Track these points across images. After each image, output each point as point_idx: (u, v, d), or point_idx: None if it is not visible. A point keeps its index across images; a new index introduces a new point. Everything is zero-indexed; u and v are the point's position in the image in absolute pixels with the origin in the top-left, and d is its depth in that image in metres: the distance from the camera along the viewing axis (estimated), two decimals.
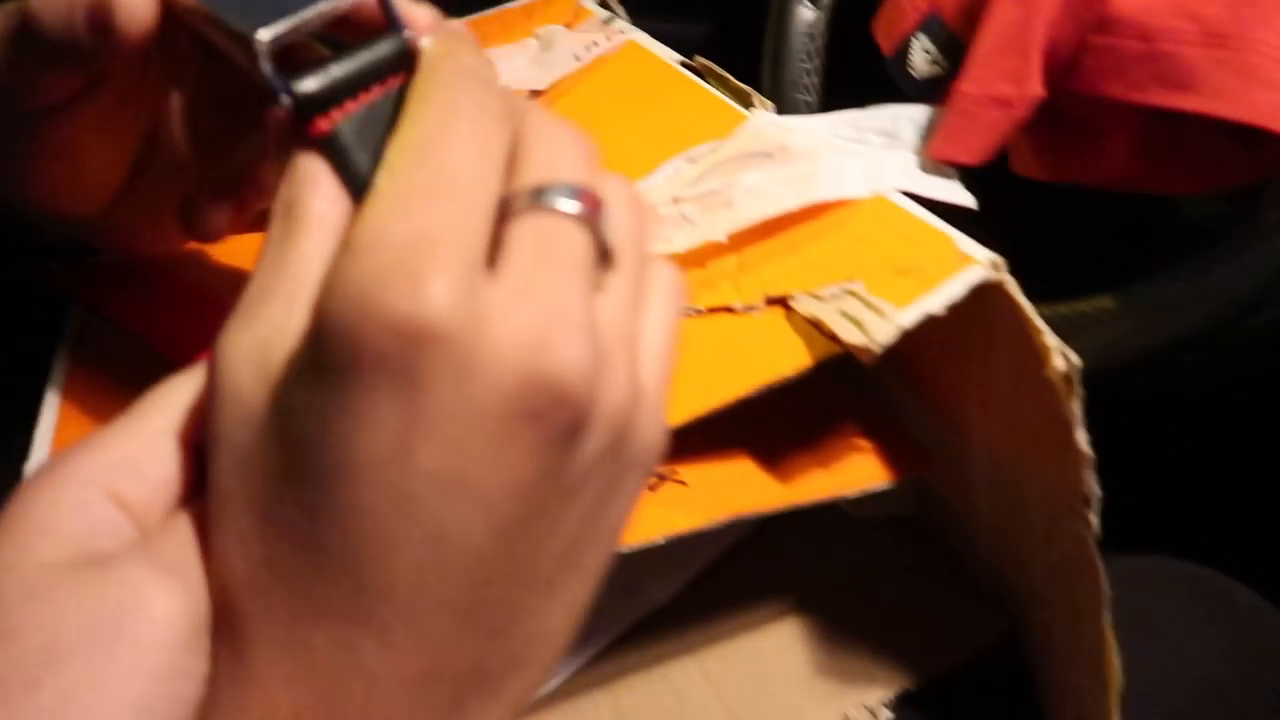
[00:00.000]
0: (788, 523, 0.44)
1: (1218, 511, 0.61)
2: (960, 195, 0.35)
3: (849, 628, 0.41)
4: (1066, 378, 0.28)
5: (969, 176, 0.39)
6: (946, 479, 0.39)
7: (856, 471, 0.36)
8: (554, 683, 0.42)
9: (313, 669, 0.19)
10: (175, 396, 0.21)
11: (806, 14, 0.57)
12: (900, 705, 0.39)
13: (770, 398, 0.37)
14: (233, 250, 0.39)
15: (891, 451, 0.37)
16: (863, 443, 0.37)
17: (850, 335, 0.31)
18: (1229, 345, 0.34)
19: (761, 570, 0.43)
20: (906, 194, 0.35)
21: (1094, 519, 0.30)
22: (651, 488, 0.34)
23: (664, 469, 0.34)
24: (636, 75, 0.46)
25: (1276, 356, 0.37)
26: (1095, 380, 0.38)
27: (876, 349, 0.30)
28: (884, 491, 0.41)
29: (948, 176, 0.36)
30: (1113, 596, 0.32)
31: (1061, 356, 0.28)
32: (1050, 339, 0.28)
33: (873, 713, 0.39)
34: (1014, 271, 0.31)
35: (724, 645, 0.42)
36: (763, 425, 0.37)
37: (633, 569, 0.44)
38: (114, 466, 0.20)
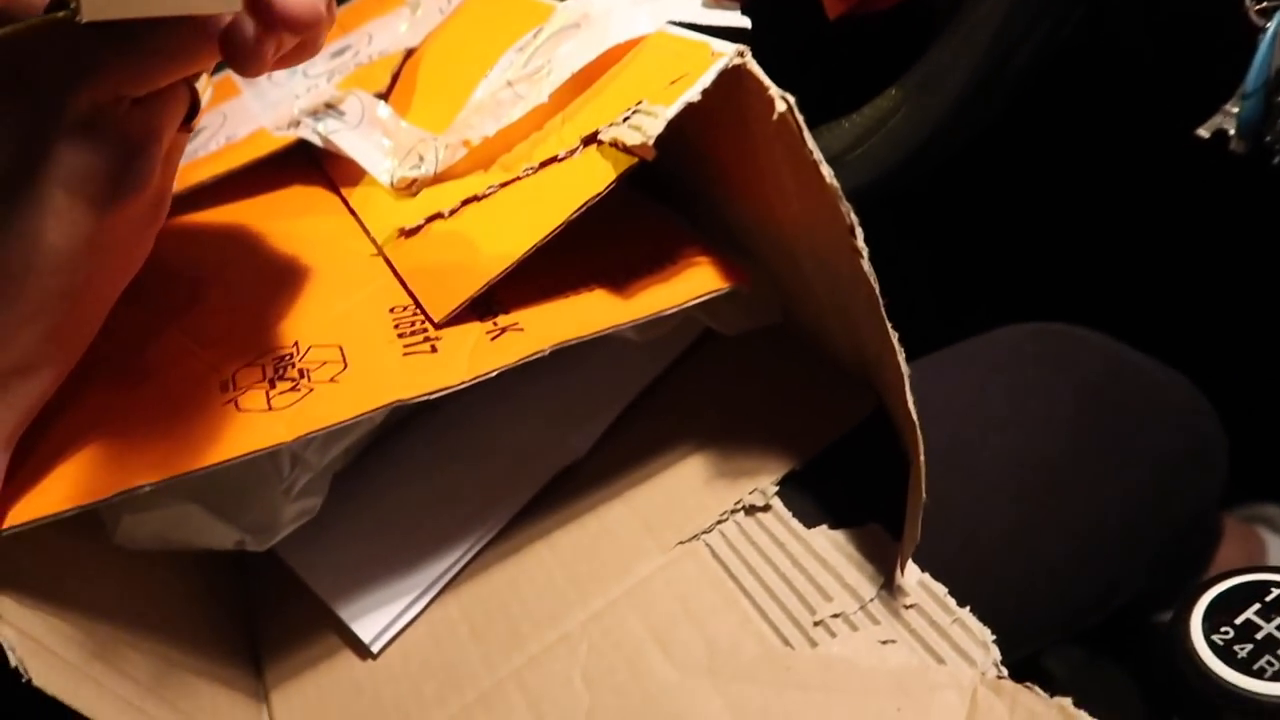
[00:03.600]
0: (680, 366, 0.50)
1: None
2: (735, 19, 0.40)
3: (738, 431, 0.46)
4: (788, 121, 0.33)
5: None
6: (790, 278, 0.43)
7: (691, 282, 0.41)
8: (496, 530, 0.47)
9: None
10: None
11: None
12: (785, 485, 0.43)
13: (604, 239, 0.41)
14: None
15: (720, 263, 0.41)
16: (696, 259, 0.42)
17: (633, 139, 0.36)
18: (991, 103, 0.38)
19: (664, 409, 0.48)
20: (692, 26, 0.40)
21: (860, 244, 0.34)
22: (493, 336, 0.38)
23: (505, 320, 0.39)
24: (483, 7, 0.53)
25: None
26: (910, 161, 0.43)
27: (650, 141, 0.35)
28: (749, 309, 0.46)
29: (726, 7, 0.41)
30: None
31: (783, 100, 0.32)
32: (774, 91, 0.33)
33: (764, 493, 0.43)
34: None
35: (642, 483, 0.47)
36: (602, 263, 0.41)
37: (555, 424, 0.49)
38: None
